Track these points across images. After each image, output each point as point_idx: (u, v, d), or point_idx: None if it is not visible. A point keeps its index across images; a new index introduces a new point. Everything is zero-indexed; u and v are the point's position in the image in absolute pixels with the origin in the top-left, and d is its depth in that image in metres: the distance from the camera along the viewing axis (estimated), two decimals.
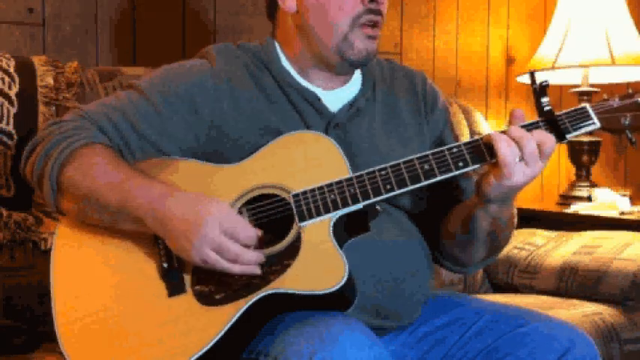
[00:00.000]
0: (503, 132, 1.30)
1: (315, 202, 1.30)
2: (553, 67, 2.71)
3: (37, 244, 1.77)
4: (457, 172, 1.32)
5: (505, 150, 1.27)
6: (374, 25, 1.45)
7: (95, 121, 1.39)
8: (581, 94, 2.77)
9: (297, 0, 1.47)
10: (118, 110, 1.41)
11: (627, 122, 1.32)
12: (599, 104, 1.33)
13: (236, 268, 1.24)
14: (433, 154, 1.32)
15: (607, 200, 2.64)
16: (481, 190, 1.34)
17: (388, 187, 1.31)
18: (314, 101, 1.47)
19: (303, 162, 1.36)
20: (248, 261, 1.24)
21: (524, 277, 2.30)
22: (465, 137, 2.38)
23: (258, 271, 1.25)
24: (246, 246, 1.25)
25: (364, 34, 1.44)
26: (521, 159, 1.27)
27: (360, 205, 1.31)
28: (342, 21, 1.43)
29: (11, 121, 1.77)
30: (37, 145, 1.37)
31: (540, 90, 1.33)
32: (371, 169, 1.32)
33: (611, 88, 2.94)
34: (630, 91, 1.34)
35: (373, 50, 1.46)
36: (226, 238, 1.23)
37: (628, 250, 2.15)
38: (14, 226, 1.75)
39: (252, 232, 1.25)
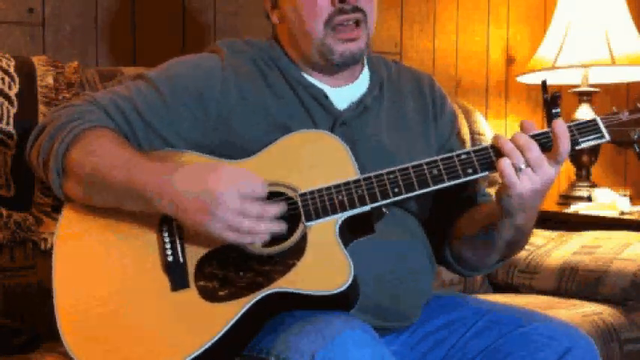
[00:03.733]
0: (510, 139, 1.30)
1: (323, 202, 1.30)
2: (553, 67, 2.71)
3: (37, 244, 1.77)
4: (465, 179, 1.32)
5: (501, 161, 1.27)
6: (354, 23, 1.43)
7: (103, 108, 1.39)
8: (581, 94, 2.77)
9: (280, 12, 1.49)
10: (127, 99, 1.41)
11: (636, 136, 1.33)
12: (609, 117, 1.34)
13: (262, 227, 1.23)
14: (442, 159, 1.32)
15: (607, 200, 2.64)
16: (499, 202, 1.34)
17: (396, 190, 1.31)
18: (321, 98, 1.47)
19: (311, 161, 1.36)
20: (273, 215, 1.24)
21: (524, 277, 2.30)
22: (466, 137, 2.38)
23: (284, 225, 1.25)
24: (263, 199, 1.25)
25: (340, 38, 1.43)
26: (527, 165, 1.27)
27: (367, 207, 1.31)
28: (316, 27, 1.43)
29: (11, 121, 1.76)
30: (44, 128, 1.37)
31: (552, 100, 1.33)
32: (379, 172, 1.32)
33: (611, 88, 2.95)
34: (639, 105, 1.35)
35: (356, 50, 1.45)
36: (246, 200, 1.22)
37: (628, 250, 2.15)
38: (14, 226, 1.75)
39: (263, 184, 1.25)
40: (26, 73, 1.82)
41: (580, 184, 2.84)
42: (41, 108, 1.81)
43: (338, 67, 1.48)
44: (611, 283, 2.10)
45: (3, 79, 1.78)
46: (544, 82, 1.35)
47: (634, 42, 2.71)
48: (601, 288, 2.11)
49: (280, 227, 1.26)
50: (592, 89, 2.76)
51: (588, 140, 1.33)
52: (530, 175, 1.28)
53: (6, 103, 1.77)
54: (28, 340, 1.63)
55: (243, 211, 1.22)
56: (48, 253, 1.36)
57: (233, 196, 1.21)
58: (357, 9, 1.43)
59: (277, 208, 1.25)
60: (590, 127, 1.33)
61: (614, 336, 1.97)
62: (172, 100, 1.41)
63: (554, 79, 2.84)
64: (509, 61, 3.01)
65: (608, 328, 1.97)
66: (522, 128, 1.33)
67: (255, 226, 1.23)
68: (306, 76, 1.49)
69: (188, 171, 1.26)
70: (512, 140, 1.29)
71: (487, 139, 2.39)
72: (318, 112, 1.46)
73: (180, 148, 1.41)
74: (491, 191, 1.51)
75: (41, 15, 2.12)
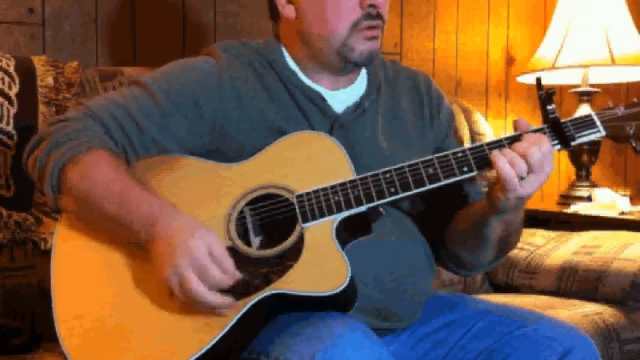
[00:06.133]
0: (510, 147, 1.30)
1: (319, 203, 1.30)
2: (553, 67, 2.71)
3: (37, 244, 1.77)
4: (461, 177, 1.32)
5: (505, 169, 1.27)
6: (374, 27, 1.44)
7: (100, 119, 1.39)
8: (581, 94, 2.77)
9: (296, 7, 1.47)
10: (122, 107, 1.40)
11: (632, 131, 1.33)
12: (605, 112, 1.33)
13: (211, 297, 1.20)
14: (438, 158, 1.32)
15: (607, 200, 2.64)
16: (492, 203, 1.34)
17: (392, 190, 1.31)
18: (318, 101, 1.47)
19: (307, 163, 1.36)
20: (224, 295, 1.21)
21: (524, 277, 2.30)
22: (466, 137, 2.38)
23: (226, 312, 1.22)
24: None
25: (364, 36, 1.43)
26: (530, 171, 1.27)
27: (363, 208, 1.31)
28: (341, 28, 1.43)
29: (11, 121, 1.76)
30: (41, 141, 1.37)
31: (546, 97, 1.32)
32: (375, 172, 1.32)
33: (611, 88, 2.94)
34: (635, 99, 1.35)
35: (375, 50, 1.46)
36: (211, 262, 1.21)
37: (628, 250, 2.15)
38: (14, 226, 1.75)
39: (234, 270, 1.22)
40: (26, 73, 1.82)
41: (580, 184, 2.84)
42: (41, 108, 1.81)
43: (354, 67, 1.48)
44: (611, 283, 2.10)
45: (3, 79, 1.78)
46: (538, 80, 1.35)
47: (634, 42, 2.71)
48: (601, 288, 2.11)
49: (223, 313, 1.22)
50: (592, 89, 2.76)
51: (584, 135, 1.32)
52: (531, 179, 1.28)
53: (6, 103, 1.77)
54: (28, 340, 1.63)
55: (202, 271, 1.20)
56: (48, 253, 1.36)
57: (200, 249, 1.20)
58: (380, 16, 1.44)
59: (229, 300, 1.21)
60: (585, 123, 1.33)
61: (614, 336, 1.97)
62: (168, 106, 1.41)
63: (554, 79, 2.83)
64: (509, 61, 3.01)
65: (608, 328, 1.97)
66: (518, 129, 1.33)
67: (205, 293, 1.20)
68: (303, 78, 1.49)
69: (174, 220, 1.24)
70: (514, 148, 1.28)
71: (487, 139, 2.39)
72: (315, 115, 1.46)
73: (177, 153, 1.41)
74: None
75: (41, 15, 2.12)
